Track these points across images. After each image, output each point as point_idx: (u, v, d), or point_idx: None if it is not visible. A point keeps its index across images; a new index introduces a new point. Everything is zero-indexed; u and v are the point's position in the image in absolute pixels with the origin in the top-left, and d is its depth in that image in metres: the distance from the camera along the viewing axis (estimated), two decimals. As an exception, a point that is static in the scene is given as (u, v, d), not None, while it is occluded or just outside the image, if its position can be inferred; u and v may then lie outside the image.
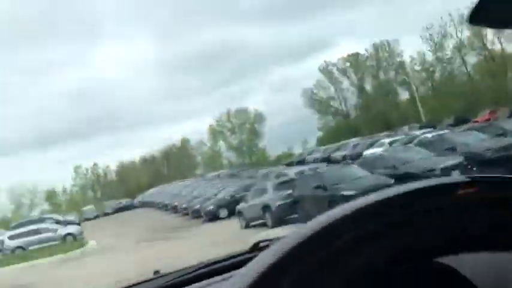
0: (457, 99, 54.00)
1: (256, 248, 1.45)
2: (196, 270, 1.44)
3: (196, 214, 26.19)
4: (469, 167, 14.58)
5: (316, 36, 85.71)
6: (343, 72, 65.47)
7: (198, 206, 26.51)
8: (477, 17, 0.81)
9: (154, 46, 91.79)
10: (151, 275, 1.65)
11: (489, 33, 53.00)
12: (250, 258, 1.17)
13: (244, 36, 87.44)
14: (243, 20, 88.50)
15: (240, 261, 1.36)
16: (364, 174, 14.77)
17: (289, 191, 16.40)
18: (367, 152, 29.03)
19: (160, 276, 1.55)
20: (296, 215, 15.90)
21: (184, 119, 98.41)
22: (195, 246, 16.40)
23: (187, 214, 28.42)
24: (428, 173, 14.07)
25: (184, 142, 72.64)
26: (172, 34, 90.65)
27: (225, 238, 16.75)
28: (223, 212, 23.57)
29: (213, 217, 23.81)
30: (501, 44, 51.70)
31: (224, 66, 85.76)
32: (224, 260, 1.49)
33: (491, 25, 0.89)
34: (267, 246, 1.29)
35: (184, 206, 29.72)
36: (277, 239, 1.33)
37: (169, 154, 72.02)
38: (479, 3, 0.78)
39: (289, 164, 40.04)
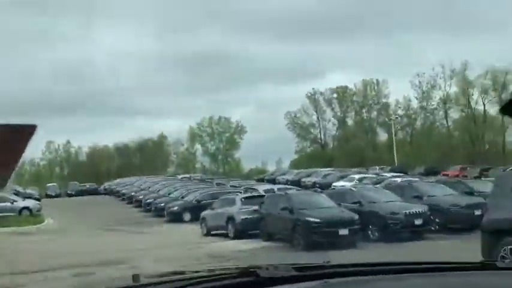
0: (432, 150, 55.38)
1: (253, 273, 1.30)
2: (179, 280, 1.35)
3: (160, 212, 26.08)
4: (432, 218, 15.07)
5: (311, 63, 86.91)
6: (329, 102, 66.47)
7: (162, 205, 26.41)
8: (508, 109, 0.87)
9: (153, 38, 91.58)
10: (129, 279, 1.52)
11: (475, 93, 54.85)
12: (246, 283, 1.28)
13: (243, 48, 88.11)
14: (245, 32, 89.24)
15: (233, 285, 1.30)
16: (331, 205, 15.09)
17: (256, 207, 16.60)
18: (337, 184, 29.53)
19: (142, 285, 1.44)
20: (257, 231, 16.11)
21: (166, 116, 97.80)
22: (152, 244, 16.39)
23: (150, 210, 28.26)
24: (392, 216, 14.52)
25: (162, 138, 72.25)
26: (173, 30, 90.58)
27: (184, 241, 16.81)
28: (187, 215, 23.55)
29: (176, 218, 23.75)
30: (484, 105, 53.47)
31: (217, 72, 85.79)
32: (213, 277, 1.37)
33: None
34: (257, 272, 1.29)
35: (148, 201, 29.54)
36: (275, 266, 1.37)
37: (144, 147, 71.40)
38: None
39: (260, 180, 40.29)
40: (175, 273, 1.62)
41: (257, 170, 62.78)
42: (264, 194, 19.97)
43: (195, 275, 1.43)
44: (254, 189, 25.07)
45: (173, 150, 72.96)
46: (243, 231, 16.66)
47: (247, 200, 18.20)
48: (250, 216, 16.65)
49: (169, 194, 29.18)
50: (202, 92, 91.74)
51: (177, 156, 73.09)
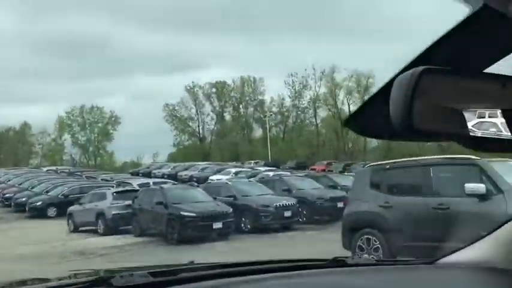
0: (302, 145, 58.74)
1: (106, 282, 1.23)
2: None
3: (21, 208, 24.00)
4: (300, 210, 15.99)
5: (191, 55, 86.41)
6: (208, 96, 66.86)
7: (24, 199, 24.34)
8: (351, 123, 0.95)
9: (17, 18, 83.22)
10: None
11: (341, 94, 59.29)
12: None
13: (119, 35, 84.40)
14: (121, 18, 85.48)
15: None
16: (206, 199, 15.20)
17: (129, 202, 16.08)
18: (214, 178, 29.85)
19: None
20: (130, 227, 15.62)
21: (30, 103, 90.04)
22: (11, 242, 15.00)
23: (9, 206, 25.85)
24: (263, 208, 15.10)
25: (25, 127, 66.25)
26: (41, 10, 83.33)
27: (48, 238, 15.65)
28: (52, 211, 22.11)
29: (40, 214, 22.11)
30: (349, 106, 58.03)
31: (90, 59, 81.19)
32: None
33: (361, 133, 1.02)
34: (110, 280, 1.22)
35: (8, 196, 27.01)
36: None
37: (4, 137, 64.85)
38: (355, 112, 0.93)
39: (135, 174, 39.10)
40: (23, 281, 1.47)
41: (132, 164, 60.72)
42: (138, 188, 19.46)
43: (37, 286, 1.31)
44: (127, 183, 24.29)
45: (38, 141, 67.40)
46: (114, 227, 16.02)
47: (120, 194, 17.57)
48: (123, 212, 16.10)
49: (32, 187, 27.01)
50: (73, 79, 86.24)
51: (43, 147, 67.67)
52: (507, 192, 7.28)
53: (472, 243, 1.56)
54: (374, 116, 0.88)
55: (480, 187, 7.50)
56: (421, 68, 0.71)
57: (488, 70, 0.81)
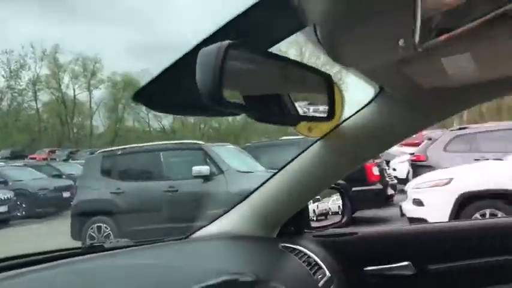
0: (20, 132, 53.15)
1: None
2: None
3: None
4: (19, 203, 14.51)
5: None
6: None
7: None
8: (140, 96, 0.93)
9: None
10: None
11: (66, 77, 56.13)
12: None
13: None
14: None
15: None
16: None
17: None
18: None
19: None
20: None
21: None
22: None
23: None
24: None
25: None
26: None
27: None
28: None
29: None
30: (74, 90, 55.35)
31: None
32: None
33: (153, 107, 1.01)
34: None
35: None
36: None
37: None
38: (146, 85, 0.90)
39: None
40: None
41: None
42: None
43: None
44: None
45: None
46: None
47: None
48: None
49: None
50: None
51: None
52: (226, 172, 8.18)
53: (218, 217, 1.71)
54: (168, 89, 0.89)
55: (204, 169, 8.19)
56: (227, 42, 0.74)
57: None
